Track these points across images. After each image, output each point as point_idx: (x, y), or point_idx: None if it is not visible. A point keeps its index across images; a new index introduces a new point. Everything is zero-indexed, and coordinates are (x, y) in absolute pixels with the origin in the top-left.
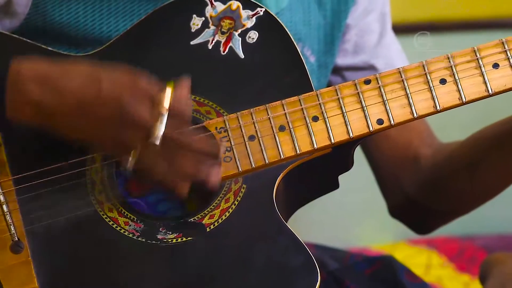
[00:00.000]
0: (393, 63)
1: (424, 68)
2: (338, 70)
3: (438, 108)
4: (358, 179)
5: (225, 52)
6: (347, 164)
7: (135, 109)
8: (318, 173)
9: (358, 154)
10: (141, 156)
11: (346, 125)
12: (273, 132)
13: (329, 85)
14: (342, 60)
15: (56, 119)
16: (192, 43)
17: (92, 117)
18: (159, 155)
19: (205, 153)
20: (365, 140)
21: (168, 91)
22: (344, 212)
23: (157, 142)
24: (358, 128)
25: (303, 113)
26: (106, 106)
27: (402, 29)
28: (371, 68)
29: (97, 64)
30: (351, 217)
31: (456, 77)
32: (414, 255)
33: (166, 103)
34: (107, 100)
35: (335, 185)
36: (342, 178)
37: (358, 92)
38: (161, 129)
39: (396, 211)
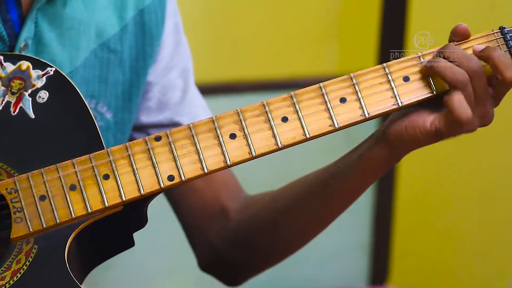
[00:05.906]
0: (199, 119)
1: (214, 123)
2: (143, 128)
3: (228, 163)
4: (160, 236)
5: (16, 113)
6: (141, 222)
7: None
8: (112, 231)
9: (161, 210)
10: None
11: (137, 182)
12: (64, 191)
13: None
14: (146, 117)
15: None
16: None
17: None
18: None
19: None
20: (172, 192)
21: None
22: (145, 271)
23: None
24: (149, 185)
25: (94, 171)
26: None
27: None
28: (175, 125)
29: None
30: (153, 275)
31: (246, 132)
32: None
33: None
34: None
35: (130, 243)
36: (143, 236)
37: (148, 149)
38: None
39: (204, 263)
